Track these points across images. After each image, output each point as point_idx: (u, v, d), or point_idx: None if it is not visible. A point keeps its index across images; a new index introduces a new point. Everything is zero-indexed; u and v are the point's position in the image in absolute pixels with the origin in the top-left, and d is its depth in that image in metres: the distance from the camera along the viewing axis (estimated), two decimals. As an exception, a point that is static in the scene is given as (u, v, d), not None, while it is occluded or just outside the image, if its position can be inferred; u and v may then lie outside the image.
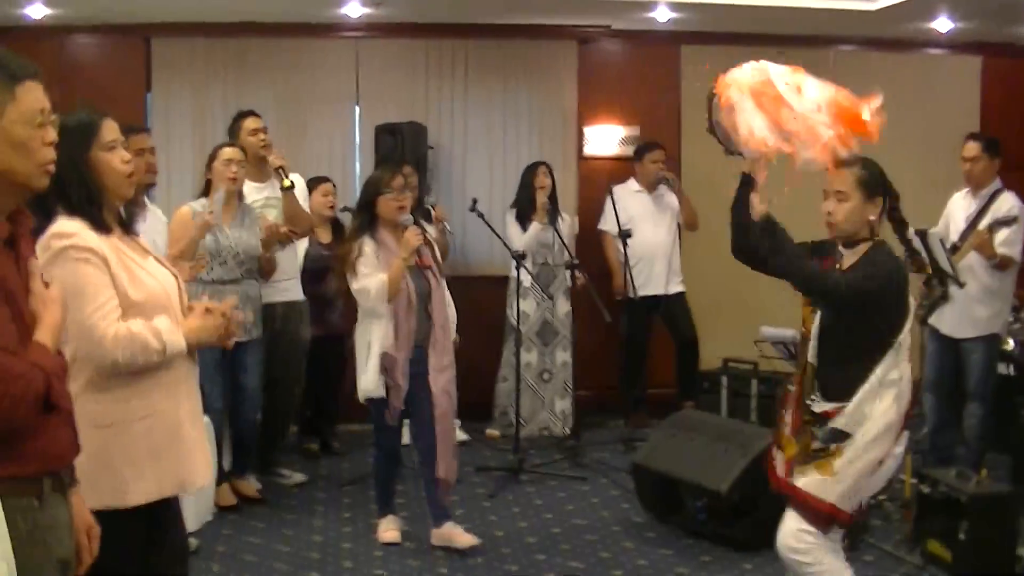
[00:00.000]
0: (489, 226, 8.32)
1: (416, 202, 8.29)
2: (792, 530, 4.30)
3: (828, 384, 4.29)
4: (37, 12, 8.36)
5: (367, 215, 6.20)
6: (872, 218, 4.32)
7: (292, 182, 7.19)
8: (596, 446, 8.55)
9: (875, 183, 4.34)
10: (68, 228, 3.33)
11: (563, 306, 9.01)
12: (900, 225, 4.49)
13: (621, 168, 9.67)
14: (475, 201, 8.30)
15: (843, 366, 4.24)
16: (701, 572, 6.00)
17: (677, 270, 9.26)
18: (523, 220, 8.87)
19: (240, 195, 6.87)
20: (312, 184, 7.99)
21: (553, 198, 8.94)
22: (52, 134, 2.73)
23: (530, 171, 8.99)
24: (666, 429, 6.94)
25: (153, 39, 9.25)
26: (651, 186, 9.18)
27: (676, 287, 9.25)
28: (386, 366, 6.08)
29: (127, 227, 3.62)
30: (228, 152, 6.77)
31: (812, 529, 4.25)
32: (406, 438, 7.15)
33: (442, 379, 6.23)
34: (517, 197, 9.01)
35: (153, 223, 6.34)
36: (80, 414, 2.99)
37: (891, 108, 10.21)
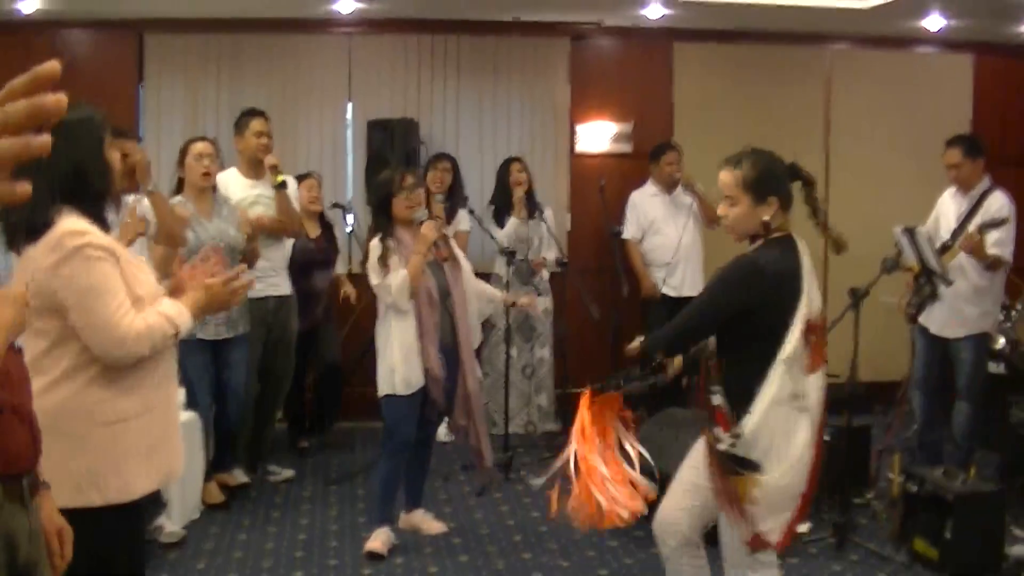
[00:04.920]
0: (479, 222, 8.34)
1: (449, 192, 8.58)
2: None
3: (727, 379, 4.12)
4: (29, 6, 8.34)
5: (383, 216, 6.17)
6: (766, 218, 4.10)
7: (285, 180, 7.23)
8: (585, 443, 8.52)
9: (766, 181, 4.11)
10: (80, 226, 3.28)
11: (542, 302, 8.95)
12: (813, 211, 4.25)
13: (613, 165, 9.69)
14: (466, 198, 8.30)
15: (734, 368, 4.10)
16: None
17: (700, 272, 8.97)
18: (500, 216, 8.83)
19: (214, 188, 6.87)
20: (297, 180, 8.01)
21: (531, 193, 8.94)
22: None
23: (504, 167, 8.98)
24: (652, 426, 6.92)
25: (145, 34, 9.23)
26: (669, 187, 9.04)
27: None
28: (424, 363, 6.00)
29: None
30: (200, 147, 6.78)
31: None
32: (442, 435, 7.64)
33: (473, 375, 6.26)
34: (494, 194, 9.00)
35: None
36: (84, 413, 3.00)
37: (885, 105, 10.36)
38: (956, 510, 5.72)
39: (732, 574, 4.24)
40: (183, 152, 6.82)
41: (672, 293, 8.83)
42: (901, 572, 5.90)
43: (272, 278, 7.35)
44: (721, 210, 4.23)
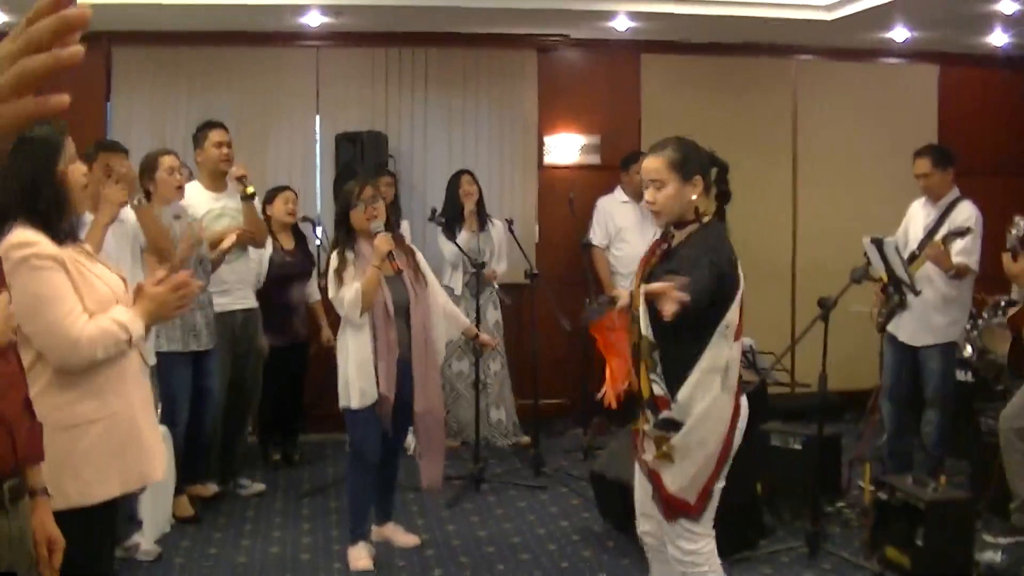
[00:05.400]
0: (447, 235, 8.34)
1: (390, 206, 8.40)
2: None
3: (665, 359, 4.19)
4: (-4, 19, 8.29)
5: (344, 228, 6.14)
6: (694, 198, 4.25)
7: (254, 191, 7.19)
8: (556, 454, 8.55)
9: (690, 162, 4.26)
10: (27, 238, 3.33)
11: (492, 315, 8.96)
12: (723, 196, 4.39)
13: (582, 176, 9.71)
14: (434, 211, 8.29)
15: (677, 342, 4.15)
16: (660, 581, 5.99)
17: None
18: (450, 229, 8.66)
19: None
20: (274, 193, 8.01)
21: (481, 205, 8.92)
22: None
23: (454, 180, 8.94)
24: (624, 437, 6.91)
25: (113, 47, 9.19)
26: (638, 197, 8.93)
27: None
28: (377, 376, 5.94)
29: (76, 236, 3.61)
30: (170, 160, 6.69)
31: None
32: (411, 447, 7.46)
33: (428, 393, 6.12)
34: (444, 206, 8.85)
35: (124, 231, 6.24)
36: (39, 418, 2.98)
37: (852, 116, 10.41)
38: (927, 518, 5.73)
39: (668, 548, 4.37)
40: (151, 166, 6.69)
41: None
42: (873, 580, 5.93)
43: (240, 291, 7.36)
44: (649, 195, 4.29)
